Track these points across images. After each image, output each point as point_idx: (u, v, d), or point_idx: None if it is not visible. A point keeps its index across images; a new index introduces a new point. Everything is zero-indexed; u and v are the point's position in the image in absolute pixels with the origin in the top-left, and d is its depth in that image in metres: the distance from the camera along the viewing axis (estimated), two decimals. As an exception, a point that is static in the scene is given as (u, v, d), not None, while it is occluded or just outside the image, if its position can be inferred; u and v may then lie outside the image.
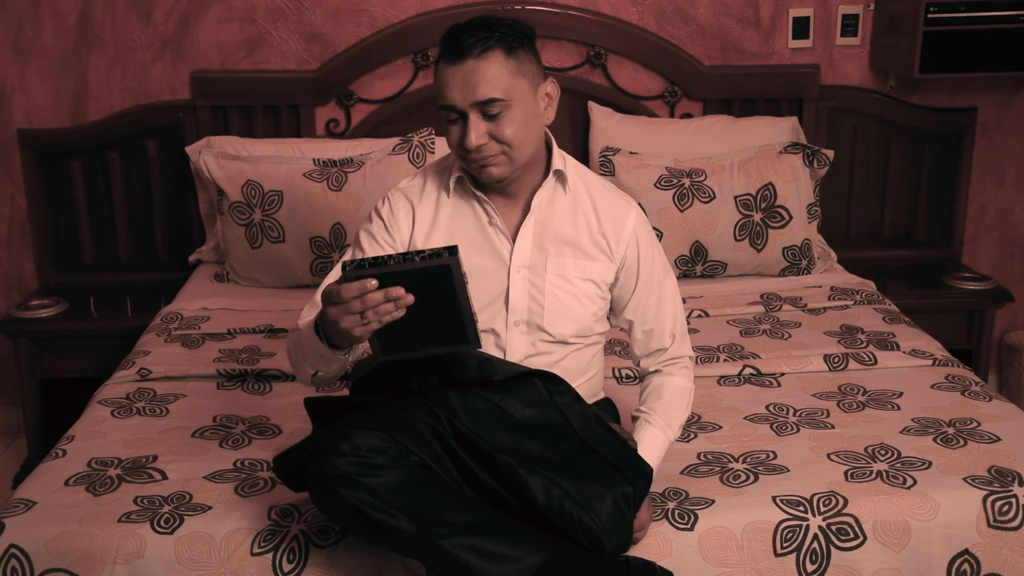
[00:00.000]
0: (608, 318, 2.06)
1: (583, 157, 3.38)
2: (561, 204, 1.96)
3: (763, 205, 3.09)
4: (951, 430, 2.17)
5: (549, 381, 1.84)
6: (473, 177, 1.93)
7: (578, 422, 1.81)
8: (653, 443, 1.94)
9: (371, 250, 1.95)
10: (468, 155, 1.84)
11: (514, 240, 1.94)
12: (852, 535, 1.88)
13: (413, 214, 1.96)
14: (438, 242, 1.93)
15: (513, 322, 1.94)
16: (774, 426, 2.21)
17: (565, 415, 1.81)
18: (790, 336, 2.71)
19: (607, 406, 2.09)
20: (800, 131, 3.34)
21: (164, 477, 2.01)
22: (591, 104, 3.38)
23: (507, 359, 1.94)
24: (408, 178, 2.03)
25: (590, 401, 2.01)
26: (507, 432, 1.77)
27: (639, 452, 1.89)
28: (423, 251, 1.58)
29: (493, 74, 1.79)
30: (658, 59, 3.40)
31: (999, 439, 2.12)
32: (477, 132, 1.81)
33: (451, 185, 1.95)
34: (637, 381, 2.46)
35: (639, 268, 1.99)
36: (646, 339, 2.03)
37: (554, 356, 1.96)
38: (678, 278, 2.56)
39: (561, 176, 1.96)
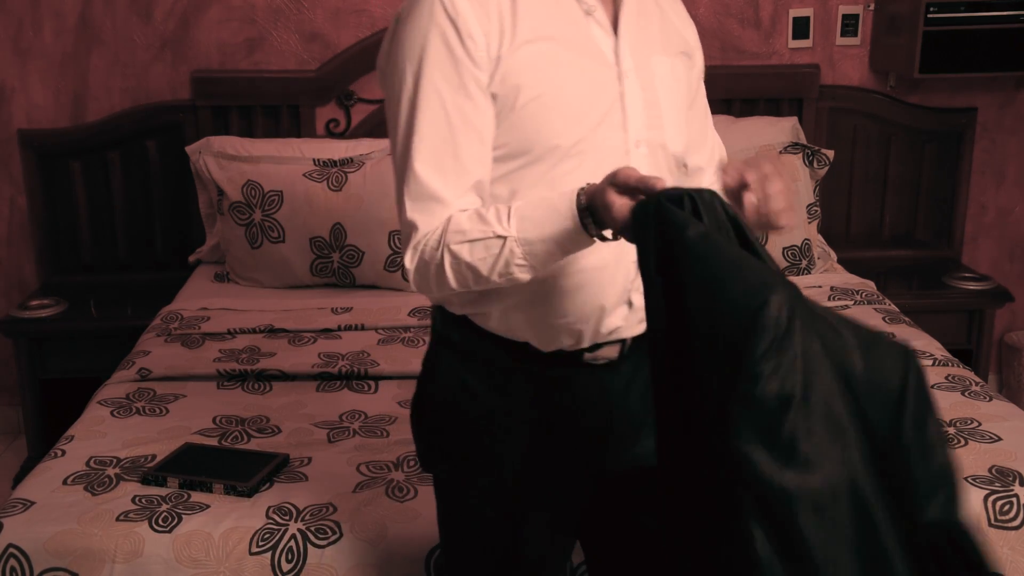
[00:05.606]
0: None
1: (583, 157, 3.38)
2: None
3: (763, 205, 3.08)
4: (951, 430, 2.16)
5: None
6: None
7: None
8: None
9: (476, 116, 1.42)
10: None
11: (616, 33, 1.46)
12: (852, 534, 1.87)
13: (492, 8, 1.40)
14: (520, 43, 1.39)
15: (634, 143, 1.45)
16: (774, 426, 2.21)
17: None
18: (790, 336, 2.71)
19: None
20: (800, 131, 3.34)
21: (163, 476, 2.01)
22: (591, 104, 3.36)
23: None
24: None
25: None
26: None
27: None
28: None
29: None
30: (658, 59, 3.40)
31: (999, 439, 2.12)
32: None
33: None
34: None
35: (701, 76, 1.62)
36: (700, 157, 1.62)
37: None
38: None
39: None
